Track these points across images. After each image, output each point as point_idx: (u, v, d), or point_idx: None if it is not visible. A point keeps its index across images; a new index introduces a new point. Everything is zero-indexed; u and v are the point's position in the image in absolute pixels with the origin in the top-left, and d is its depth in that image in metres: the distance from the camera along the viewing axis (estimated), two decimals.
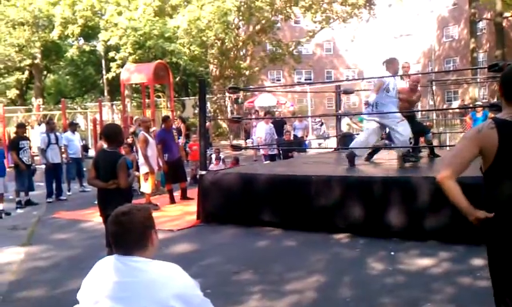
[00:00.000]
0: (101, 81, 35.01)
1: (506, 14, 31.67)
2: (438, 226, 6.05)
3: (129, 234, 2.07)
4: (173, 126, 13.06)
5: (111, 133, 5.42)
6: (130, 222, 2.07)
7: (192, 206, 8.61)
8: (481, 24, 36.31)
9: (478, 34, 34.89)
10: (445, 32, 43.19)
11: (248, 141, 20.96)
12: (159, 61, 20.67)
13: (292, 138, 14.76)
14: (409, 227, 6.32)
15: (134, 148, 10.95)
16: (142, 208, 2.19)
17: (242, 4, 28.30)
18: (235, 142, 22.32)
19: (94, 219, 7.95)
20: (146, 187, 9.68)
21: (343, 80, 29.67)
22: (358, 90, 19.55)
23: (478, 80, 27.14)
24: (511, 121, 2.53)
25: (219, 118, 29.74)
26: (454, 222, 5.47)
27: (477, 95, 29.65)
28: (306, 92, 24.17)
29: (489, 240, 2.65)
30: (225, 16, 26.41)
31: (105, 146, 5.59)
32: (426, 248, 5.90)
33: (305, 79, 43.82)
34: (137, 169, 9.84)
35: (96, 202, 5.54)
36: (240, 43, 31.02)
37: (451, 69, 40.35)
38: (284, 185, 7.43)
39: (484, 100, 28.89)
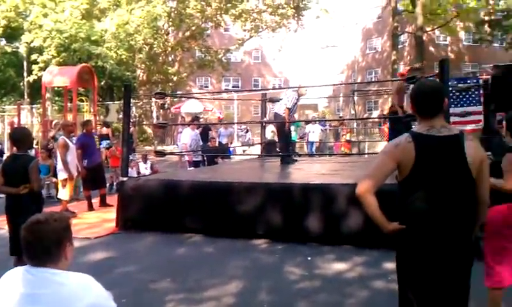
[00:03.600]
0: (22, 84, 33.55)
1: (427, 28, 33.27)
2: (353, 231, 6.23)
3: (43, 244, 1.98)
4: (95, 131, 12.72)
5: (20, 137, 5.19)
6: (45, 232, 1.99)
7: (112, 214, 8.38)
8: (403, 37, 37.98)
9: (400, 46, 36.46)
10: (369, 44, 44.79)
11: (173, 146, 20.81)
12: (83, 64, 20.10)
13: (217, 145, 14.76)
14: (325, 232, 6.47)
15: (53, 154, 10.56)
16: (59, 218, 2.09)
17: (173, 10, 28.09)
18: (159, 147, 22.03)
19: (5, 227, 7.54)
20: (63, 193, 9.32)
21: (269, 89, 30.07)
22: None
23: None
24: (426, 134, 2.62)
25: (144, 123, 29.28)
26: (368, 227, 5.65)
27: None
28: (233, 100, 24.28)
29: (399, 248, 2.74)
30: (155, 21, 26.17)
31: (14, 150, 5.34)
32: (342, 252, 6.06)
33: (233, 86, 44.04)
34: (55, 175, 9.48)
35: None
36: (169, 49, 30.73)
37: (373, 80, 41.97)
38: (206, 192, 7.40)
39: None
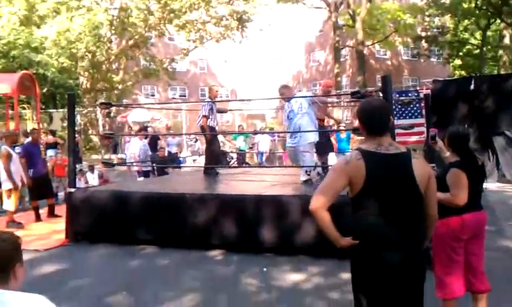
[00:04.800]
0: None
1: (367, 42, 34.29)
2: (308, 242, 6.34)
3: None
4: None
5: None
6: None
7: (61, 224, 8.19)
8: (344, 51, 38.93)
9: (342, 60, 37.40)
10: (312, 57, 45.59)
11: (119, 155, 20.46)
12: (24, 71, 19.48)
13: (166, 154, 14.66)
14: (281, 243, 6.56)
15: None
16: (8, 238, 2.01)
17: (115, 18, 27.70)
18: (107, 157, 21.63)
19: None
20: (9, 204, 9.02)
21: (217, 100, 30.07)
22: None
23: (342, 103, 29.02)
24: (376, 152, 2.70)
25: (91, 132, 28.67)
26: (323, 237, 5.79)
27: (341, 117, 31.61)
28: (181, 110, 24.16)
29: (353, 260, 2.82)
30: (96, 30, 25.70)
31: None
32: (298, 263, 6.14)
33: (180, 95, 43.81)
34: None
35: None
36: (113, 57, 30.25)
37: (317, 92, 42.72)
38: (157, 203, 7.36)
39: (347, 122, 30.86)
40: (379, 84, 7.54)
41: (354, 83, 32.66)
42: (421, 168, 2.75)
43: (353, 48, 34.77)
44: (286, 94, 8.42)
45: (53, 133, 14.81)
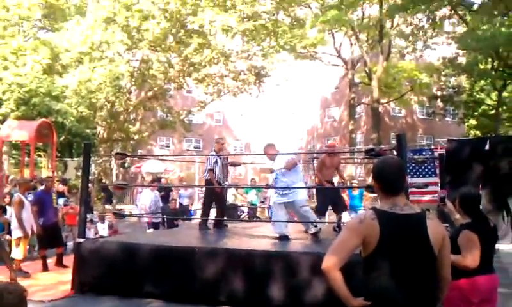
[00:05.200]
0: None
1: (382, 100, 34.51)
2: (318, 300, 6.20)
3: None
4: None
5: None
6: None
7: (67, 275, 8.11)
8: (360, 108, 39.18)
9: (356, 116, 37.61)
10: (327, 113, 45.90)
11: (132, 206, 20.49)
12: (43, 119, 19.86)
13: (177, 206, 14.64)
14: (290, 301, 6.41)
15: (8, 211, 10.26)
16: (14, 290, 2.03)
17: (136, 70, 28.30)
18: (118, 207, 21.67)
19: None
20: (17, 252, 8.99)
21: (230, 154, 30.28)
22: (244, 163, 19.95)
23: (355, 160, 29.06)
24: (391, 212, 2.68)
25: (104, 183, 28.86)
26: (333, 296, 5.66)
27: (354, 173, 31.54)
28: (195, 162, 24.31)
29: None
30: (117, 80, 26.20)
31: None
32: None
33: (194, 147, 44.13)
34: (9, 233, 9.18)
35: None
36: (131, 108, 30.75)
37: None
38: (166, 256, 7.29)
39: (360, 178, 30.77)
40: (394, 142, 7.55)
41: (369, 140, 32.72)
42: (435, 229, 2.73)
43: (368, 106, 34.98)
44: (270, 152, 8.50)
45: (65, 182, 14.93)
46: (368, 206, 15.48)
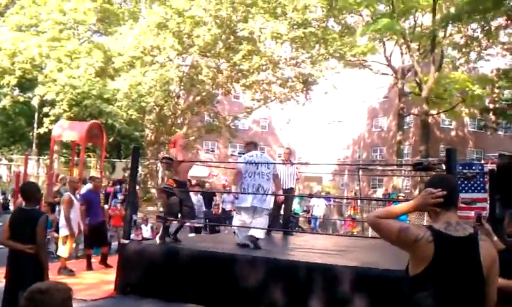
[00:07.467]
0: (31, 134, 33.87)
1: (432, 111, 33.74)
2: None
3: None
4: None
5: (29, 192, 5.18)
6: (46, 303, 1.97)
7: (111, 275, 8.27)
8: (408, 118, 38.44)
9: (405, 127, 36.87)
10: (375, 123, 45.27)
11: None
12: (94, 120, 20.40)
13: (220, 211, 14.71)
14: None
15: (57, 208, 10.55)
16: (62, 288, 2.08)
17: (185, 74, 28.70)
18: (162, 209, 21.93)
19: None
20: (63, 250, 9.24)
21: (275, 162, 30.24)
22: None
23: (402, 172, 28.49)
24: (445, 233, 2.64)
25: (150, 185, 29.31)
26: None
27: (400, 185, 30.91)
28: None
29: None
30: (167, 85, 26.65)
31: (23, 204, 5.34)
32: None
33: (239, 153, 44.33)
34: (57, 231, 9.44)
35: None
36: (179, 112, 31.19)
37: (378, 157, 42.20)
38: (208, 262, 7.31)
39: (406, 191, 30.14)
40: (442, 155, 7.35)
41: (417, 152, 32.03)
42: (487, 252, 2.69)
43: (417, 117, 34.26)
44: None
45: (120, 183, 15.24)
46: (414, 220, 15.09)
